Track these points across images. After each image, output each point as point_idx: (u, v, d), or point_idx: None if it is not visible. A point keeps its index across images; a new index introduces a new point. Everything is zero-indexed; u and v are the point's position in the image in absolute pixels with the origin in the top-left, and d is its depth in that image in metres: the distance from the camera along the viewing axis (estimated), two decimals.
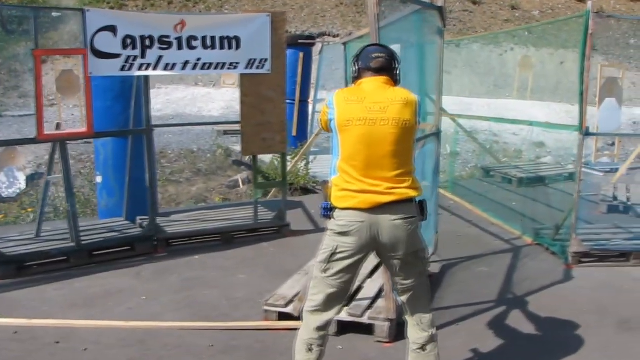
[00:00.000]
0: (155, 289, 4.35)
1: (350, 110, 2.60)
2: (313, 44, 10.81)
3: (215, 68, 4.92)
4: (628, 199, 6.53)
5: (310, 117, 10.30)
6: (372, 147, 2.57)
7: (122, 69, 4.60)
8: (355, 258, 2.66)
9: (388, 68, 2.72)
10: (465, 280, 4.62)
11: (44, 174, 9.35)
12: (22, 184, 9.07)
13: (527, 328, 3.81)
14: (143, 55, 4.64)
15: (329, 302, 2.73)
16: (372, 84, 2.68)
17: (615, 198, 6.57)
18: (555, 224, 5.18)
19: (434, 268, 4.81)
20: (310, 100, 10.44)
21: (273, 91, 5.25)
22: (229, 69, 5.00)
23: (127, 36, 4.55)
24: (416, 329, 2.81)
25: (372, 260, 3.64)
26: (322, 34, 20.30)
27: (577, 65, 4.76)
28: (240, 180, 8.92)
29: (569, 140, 11.36)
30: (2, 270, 4.37)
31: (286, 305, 3.74)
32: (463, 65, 18.60)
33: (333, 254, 2.65)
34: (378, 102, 2.60)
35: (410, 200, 2.63)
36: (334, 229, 2.65)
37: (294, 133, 9.78)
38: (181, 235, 5.26)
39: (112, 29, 4.49)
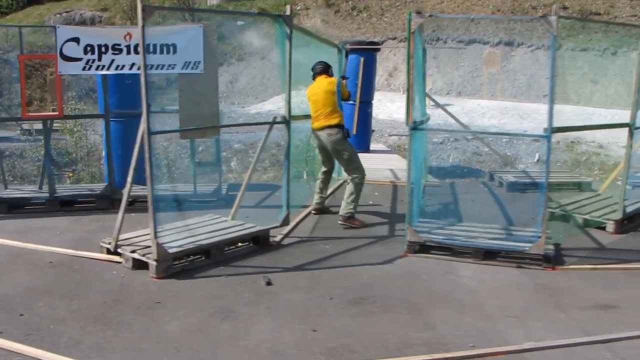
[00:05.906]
0: (73, 228, 5.92)
1: None
2: (377, 50, 11.41)
3: (157, 68, 6.29)
4: None
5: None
6: None
7: (83, 69, 6.27)
8: None
9: None
10: (291, 252, 5.26)
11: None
12: None
13: (263, 290, 4.38)
14: (99, 59, 6.27)
15: None
16: None
17: None
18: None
19: (286, 241, 5.53)
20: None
21: (206, 87, 6.44)
22: (167, 69, 6.34)
23: (88, 45, 6.22)
24: None
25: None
26: (471, 41, 20.15)
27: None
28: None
29: None
30: None
31: (109, 243, 4.99)
32: (614, 74, 16.70)
33: None
34: None
35: None
36: None
37: (354, 132, 10.60)
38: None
39: (76, 40, 6.22)
